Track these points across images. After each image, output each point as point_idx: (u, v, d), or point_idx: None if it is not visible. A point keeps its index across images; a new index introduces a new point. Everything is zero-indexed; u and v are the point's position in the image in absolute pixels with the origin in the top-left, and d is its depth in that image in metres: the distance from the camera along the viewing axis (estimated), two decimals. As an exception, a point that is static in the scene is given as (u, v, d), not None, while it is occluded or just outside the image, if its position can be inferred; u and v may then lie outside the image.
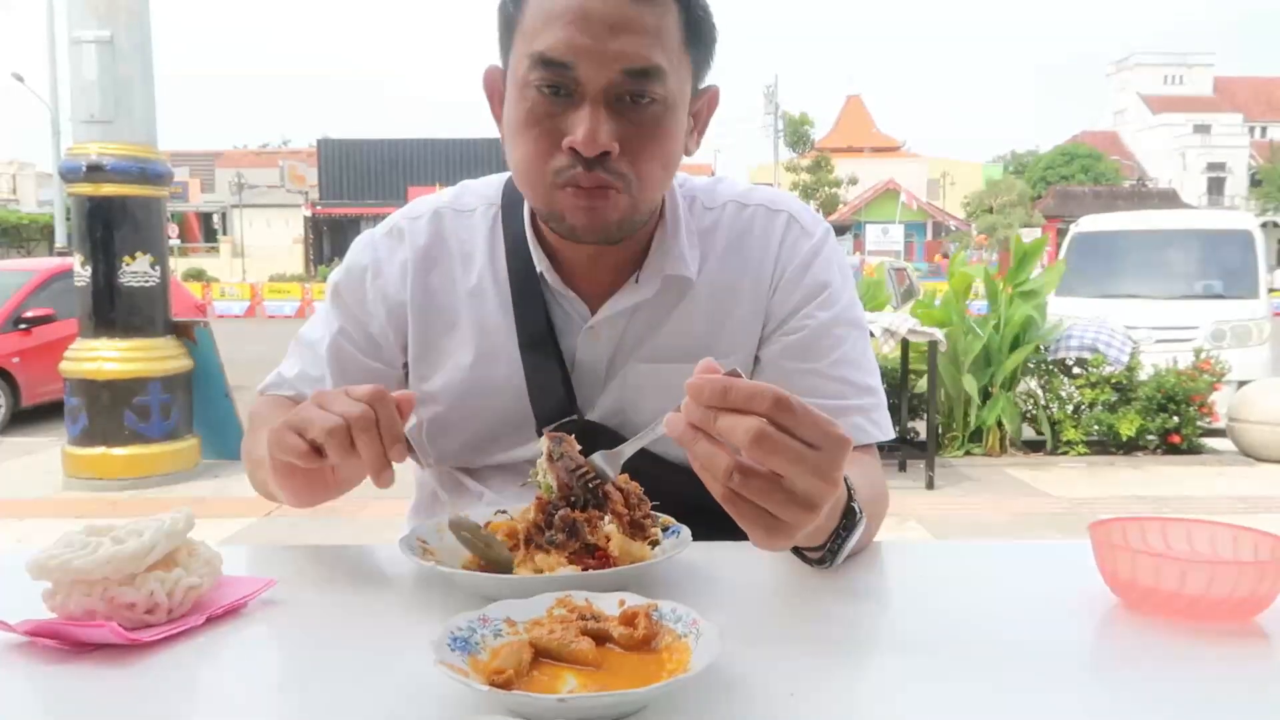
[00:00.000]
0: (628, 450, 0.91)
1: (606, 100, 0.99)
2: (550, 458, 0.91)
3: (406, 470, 1.34)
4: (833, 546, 0.91)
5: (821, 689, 0.71)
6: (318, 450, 0.89)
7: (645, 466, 0.97)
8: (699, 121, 1.12)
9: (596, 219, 1.04)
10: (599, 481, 0.91)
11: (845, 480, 0.88)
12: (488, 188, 1.24)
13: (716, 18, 1.07)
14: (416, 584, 0.95)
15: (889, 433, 1.17)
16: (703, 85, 1.10)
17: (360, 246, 1.25)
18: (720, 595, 0.92)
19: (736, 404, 0.72)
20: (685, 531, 0.97)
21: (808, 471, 0.72)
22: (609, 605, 0.78)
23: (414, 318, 1.20)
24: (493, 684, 0.65)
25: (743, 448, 0.71)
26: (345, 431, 0.87)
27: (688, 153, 1.10)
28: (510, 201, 1.19)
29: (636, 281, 1.15)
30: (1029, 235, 8.72)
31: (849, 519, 0.90)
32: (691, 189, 1.22)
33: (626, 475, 0.95)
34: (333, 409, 0.88)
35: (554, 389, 1.16)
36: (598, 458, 0.92)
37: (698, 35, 1.04)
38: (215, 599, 0.86)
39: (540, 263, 1.14)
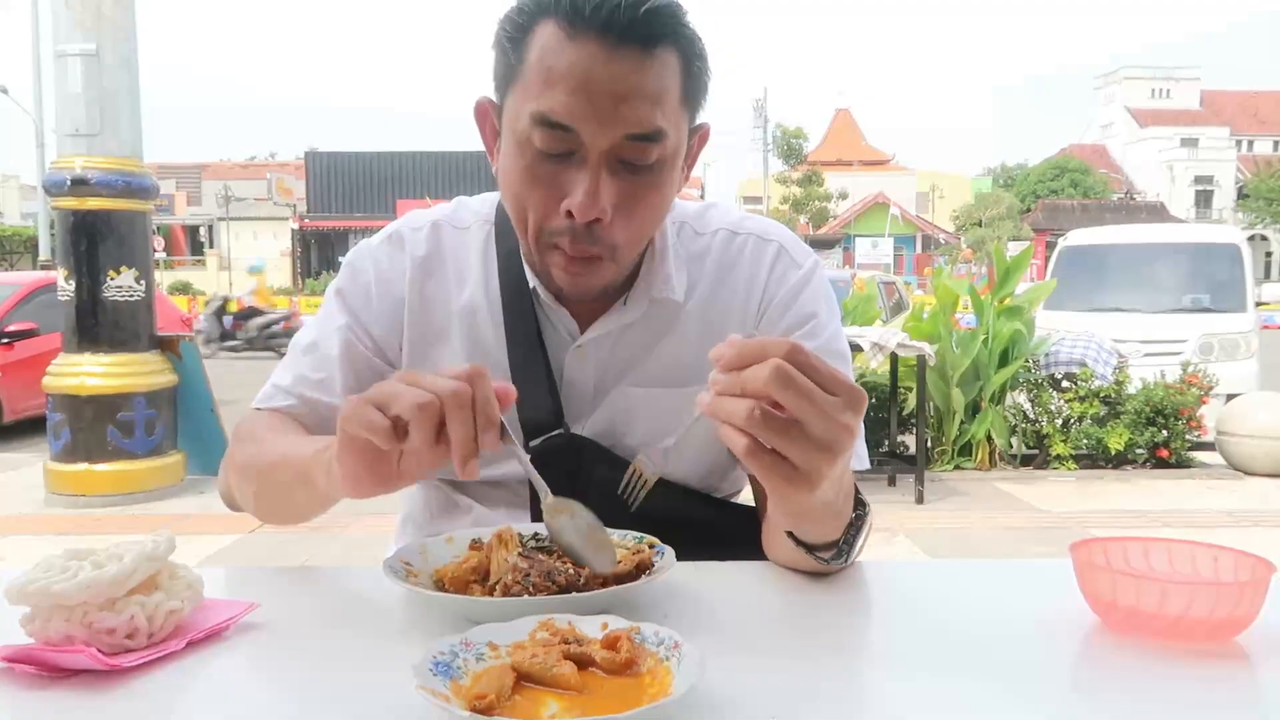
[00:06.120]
0: (674, 443, 0.88)
1: (607, 163, 1.00)
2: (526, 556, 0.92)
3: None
4: (848, 538, 0.95)
5: (805, 711, 0.71)
6: (398, 431, 0.80)
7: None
8: (690, 157, 1.12)
9: (581, 286, 1.08)
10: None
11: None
12: (483, 205, 1.25)
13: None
14: (399, 606, 0.94)
15: (865, 463, 1.18)
16: (695, 124, 1.10)
17: (359, 253, 1.25)
18: (704, 616, 0.92)
19: (756, 355, 0.75)
20: (669, 552, 0.97)
21: (825, 415, 0.74)
22: (592, 628, 0.78)
23: (409, 322, 1.20)
24: (474, 709, 0.65)
25: (764, 388, 0.73)
26: (437, 409, 0.78)
27: (676, 190, 1.11)
28: (504, 219, 1.20)
29: (624, 304, 1.16)
30: (1016, 249, 8.72)
31: (860, 510, 0.95)
32: (682, 214, 1.23)
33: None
34: (423, 384, 0.80)
35: (542, 403, 1.16)
36: (644, 461, 0.89)
37: (696, 84, 1.05)
38: (196, 623, 0.86)
39: (533, 279, 1.15)
